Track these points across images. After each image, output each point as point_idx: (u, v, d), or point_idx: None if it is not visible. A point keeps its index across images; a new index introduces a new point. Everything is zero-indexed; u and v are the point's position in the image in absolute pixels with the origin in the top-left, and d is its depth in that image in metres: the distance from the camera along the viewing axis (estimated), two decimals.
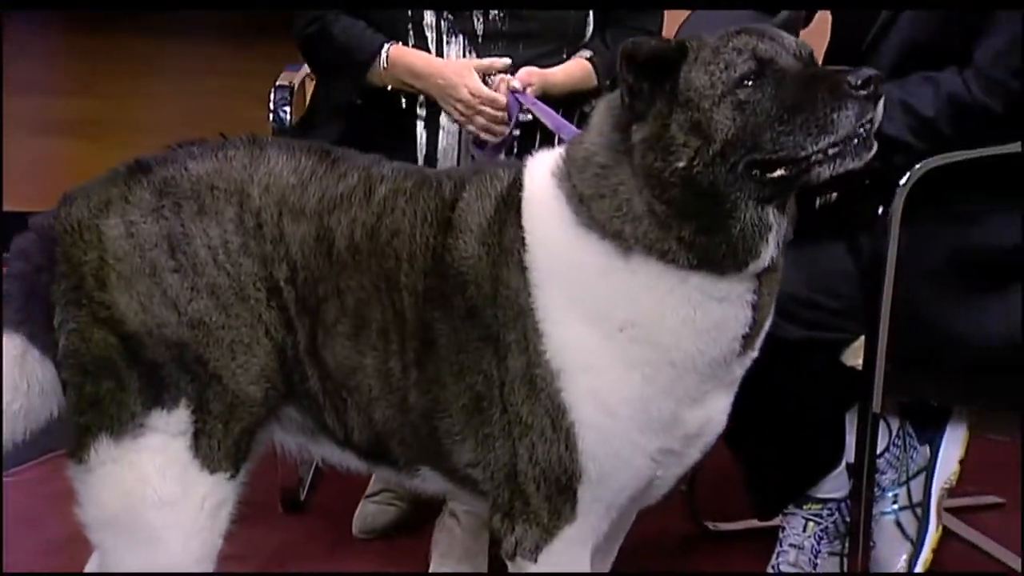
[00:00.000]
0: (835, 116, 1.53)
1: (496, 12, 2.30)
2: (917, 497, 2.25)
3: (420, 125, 2.33)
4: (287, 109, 2.41)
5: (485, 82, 2.25)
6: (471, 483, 1.76)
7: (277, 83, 2.45)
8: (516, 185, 1.70)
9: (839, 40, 2.18)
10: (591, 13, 2.37)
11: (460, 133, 2.32)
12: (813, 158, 1.56)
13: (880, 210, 1.99)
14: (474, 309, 1.68)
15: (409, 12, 2.30)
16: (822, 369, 2.10)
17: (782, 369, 1.88)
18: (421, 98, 2.32)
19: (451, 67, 2.26)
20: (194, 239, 1.69)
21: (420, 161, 2.32)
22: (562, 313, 1.64)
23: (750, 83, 1.56)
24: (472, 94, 2.22)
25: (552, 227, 1.65)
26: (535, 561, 1.70)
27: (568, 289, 1.64)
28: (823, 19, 2.22)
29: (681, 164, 1.56)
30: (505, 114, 2.22)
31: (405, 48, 2.29)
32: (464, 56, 2.31)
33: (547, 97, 2.25)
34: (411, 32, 2.31)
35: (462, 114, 2.25)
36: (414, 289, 1.70)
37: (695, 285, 1.60)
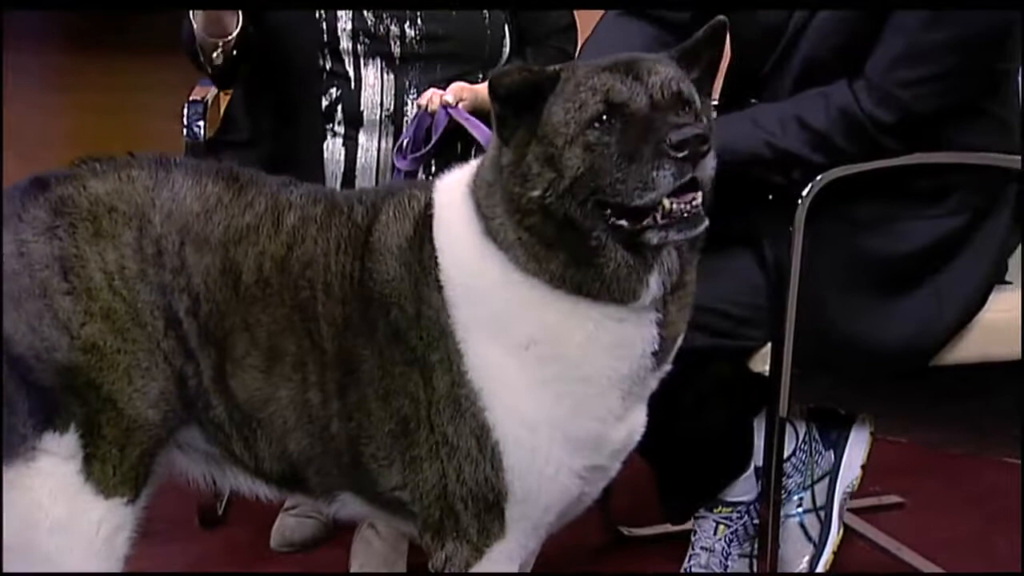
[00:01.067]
0: (654, 175, 1.53)
1: (412, 35, 2.31)
2: (821, 501, 2.31)
3: (338, 143, 2.33)
4: (201, 124, 2.38)
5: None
6: (396, 505, 1.75)
7: (190, 98, 2.43)
8: (431, 203, 1.70)
9: (739, 66, 2.21)
10: (507, 34, 2.40)
11: (379, 151, 2.32)
12: (646, 222, 1.55)
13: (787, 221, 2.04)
14: (399, 332, 1.67)
15: (324, 37, 2.30)
16: (729, 376, 2.15)
17: (690, 376, 1.92)
18: (339, 116, 2.32)
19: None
20: (88, 262, 1.65)
21: (338, 179, 2.31)
22: (478, 331, 1.64)
23: (598, 125, 1.56)
24: None
25: (462, 239, 1.66)
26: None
27: (480, 305, 1.64)
28: None
29: (536, 193, 1.58)
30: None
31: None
32: (382, 79, 2.32)
33: (478, 112, 2.25)
34: (327, 56, 2.31)
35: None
36: (333, 319, 1.68)
37: (591, 306, 1.61)
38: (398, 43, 2.31)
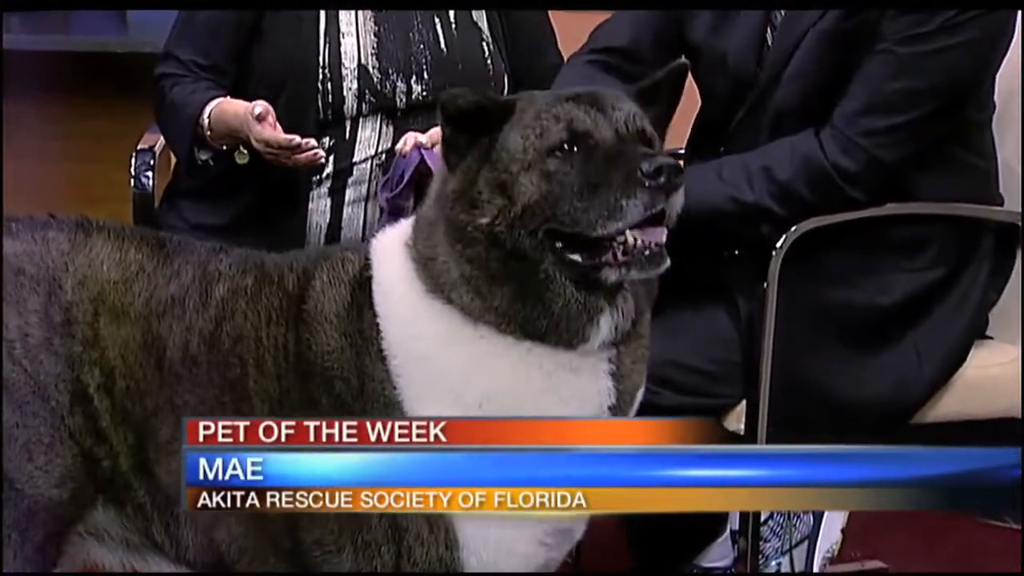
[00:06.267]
0: (624, 203, 1.48)
1: (419, 90, 2.28)
2: (800, 566, 2.25)
3: (323, 193, 2.27)
4: (149, 174, 2.32)
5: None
6: None
7: (139, 147, 2.36)
8: (367, 266, 1.63)
9: (709, 117, 2.17)
10: (507, 85, 2.36)
11: (366, 201, 2.27)
12: (603, 258, 1.51)
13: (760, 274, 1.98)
14: (345, 406, 1.59)
15: (330, 99, 2.24)
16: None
17: None
18: (329, 168, 2.25)
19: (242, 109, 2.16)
20: None
21: (323, 231, 2.26)
22: (427, 399, 1.56)
23: (560, 154, 1.52)
24: (258, 141, 2.13)
25: (403, 300, 1.59)
26: None
27: (428, 371, 1.57)
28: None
29: (484, 220, 1.53)
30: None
31: (229, 100, 2.19)
32: (380, 131, 2.27)
33: None
34: (330, 114, 2.25)
35: (265, 156, 2.16)
36: (267, 396, 1.60)
37: (543, 354, 1.55)
38: (404, 99, 2.28)
